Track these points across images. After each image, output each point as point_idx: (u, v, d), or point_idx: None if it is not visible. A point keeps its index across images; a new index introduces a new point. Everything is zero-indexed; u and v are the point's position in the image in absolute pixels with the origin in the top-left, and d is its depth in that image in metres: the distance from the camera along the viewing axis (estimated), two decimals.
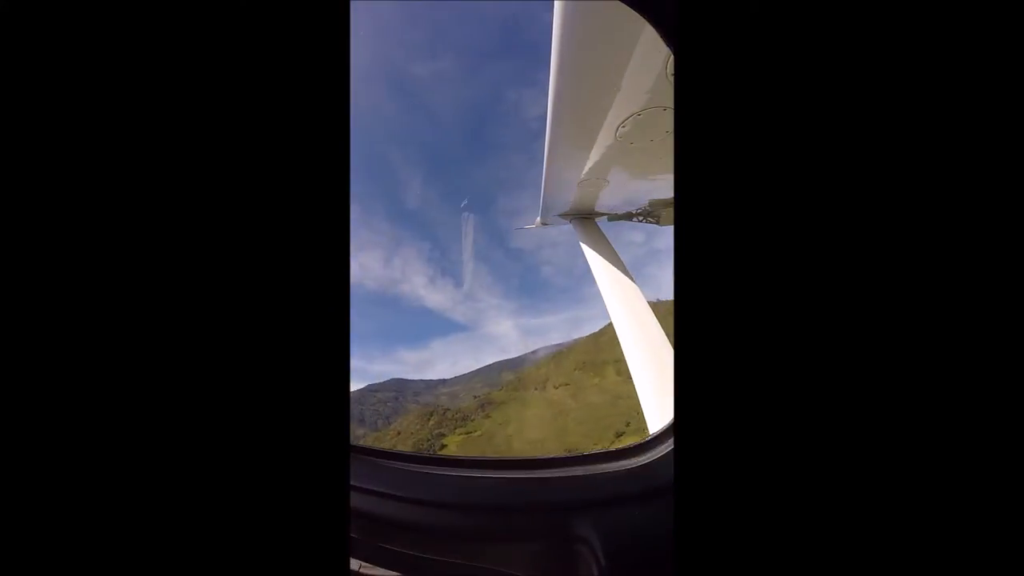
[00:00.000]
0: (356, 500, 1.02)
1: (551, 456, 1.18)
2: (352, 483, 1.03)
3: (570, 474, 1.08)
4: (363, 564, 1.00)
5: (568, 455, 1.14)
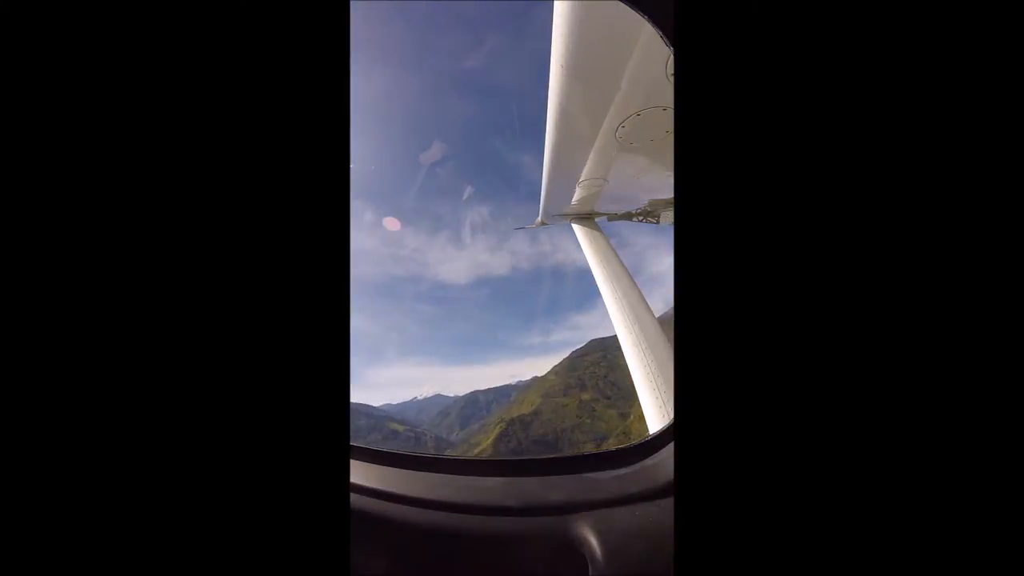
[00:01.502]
0: (356, 500, 1.02)
1: (551, 456, 1.18)
2: (352, 483, 1.03)
3: (570, 475, 1.08)
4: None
5: (568, 456, 1.14)
